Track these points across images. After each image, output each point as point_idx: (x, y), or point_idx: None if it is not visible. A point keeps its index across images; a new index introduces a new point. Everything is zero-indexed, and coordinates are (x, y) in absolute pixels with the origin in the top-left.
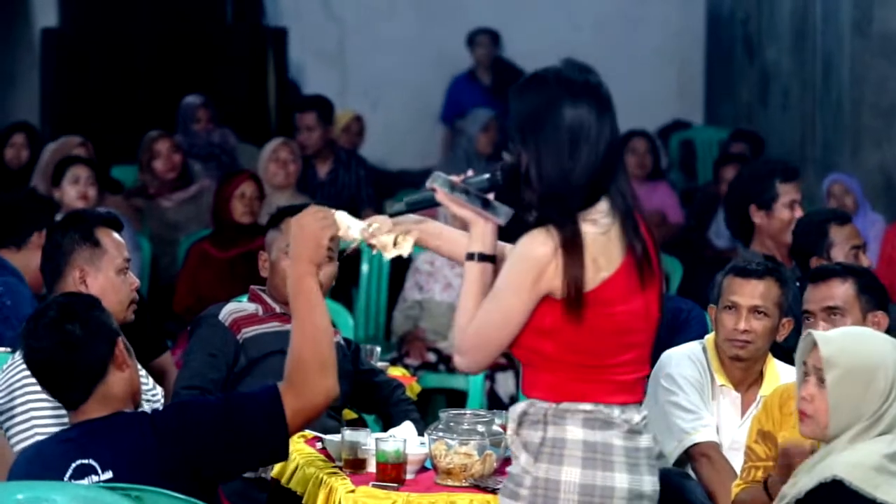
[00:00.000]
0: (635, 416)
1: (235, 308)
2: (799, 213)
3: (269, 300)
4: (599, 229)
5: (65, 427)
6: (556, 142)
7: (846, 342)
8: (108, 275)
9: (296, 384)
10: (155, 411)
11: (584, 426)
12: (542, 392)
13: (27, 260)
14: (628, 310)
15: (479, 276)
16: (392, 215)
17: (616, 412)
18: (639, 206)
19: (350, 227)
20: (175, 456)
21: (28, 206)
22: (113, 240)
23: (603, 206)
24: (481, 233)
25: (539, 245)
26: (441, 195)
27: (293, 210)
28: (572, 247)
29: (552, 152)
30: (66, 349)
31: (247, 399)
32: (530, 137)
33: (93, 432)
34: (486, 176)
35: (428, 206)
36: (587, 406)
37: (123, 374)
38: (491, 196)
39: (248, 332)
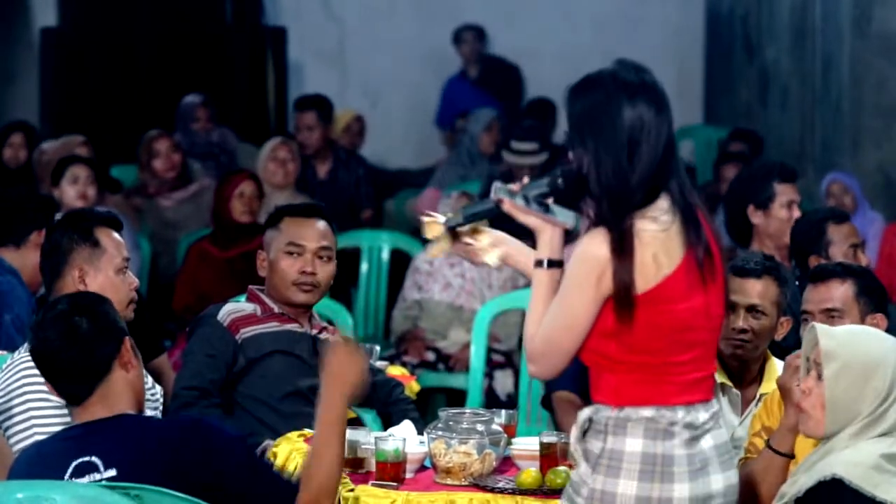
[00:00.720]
0: (701, 414)
1: (234, 308)
2: (797, 213)
3: (267, 300)
4: (660, 227)
5: (66, 426)
6: (614, 143)
7: (847, 338)
8: (108, 274)
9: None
10: (174, 422)
11: (644, 437)
12: (606, 395)
13: (25, 259)
14: (689, 307)
15: (548, 282)
16: (450, 228)
17: (680, 414)
18: (699, 202)
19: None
20: (185, 469)
21: (28, 205)
22: (112, 239)
23: (663, 203)
24: (549, 239)
25: (598, 245)
26: (508, 205)
27: (291, 209)
28: (622, 249)
29: (611, 153)
30: (72, 341)
31: (270, 467)
32: (589, 139)
33: (97, 431)
34: (545, 181)
35: (486, 218)
36: (649, 412)
37: (128, 374)
38: (550, 201)
39: (247, 332)
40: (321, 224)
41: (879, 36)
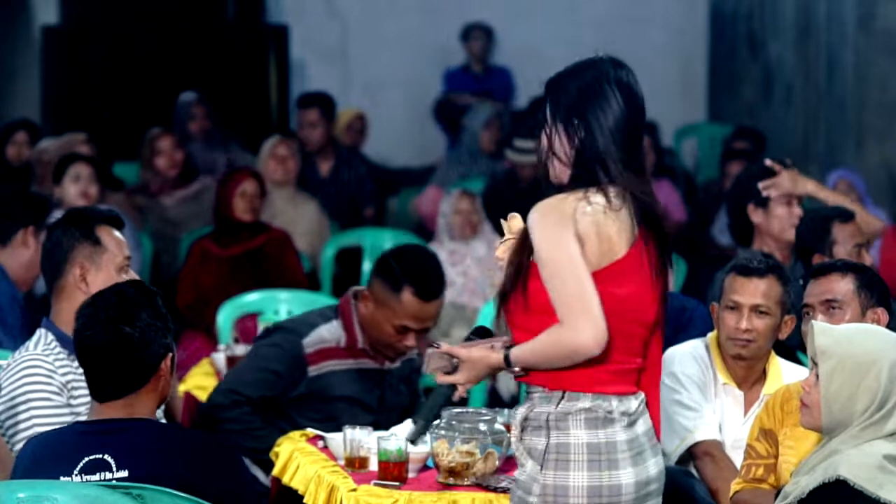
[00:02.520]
0: (633, 403)
1: (322, 338)
2: (797, 209)
3: (357, 331)
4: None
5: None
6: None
7: (843, 335)
8: (109, 273)
9: None
10: (197, 437)
11: (586, 427)
12: (542, 379)
13: (12, 257)
14: (634, 292)
15: (523, 351)
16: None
17: (615, 403)
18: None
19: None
20: (194, 481)
21: (16, 203)
22: (113, 238)
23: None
24: (475, 369)
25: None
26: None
27: (420, 287)
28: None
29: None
30: (118, 349)
31: None
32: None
33: (115, 431)
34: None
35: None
36: (586, 403)
37: (159, 386)
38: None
39: (322, 367)
40: (439, 304)
41: (884, 33)
